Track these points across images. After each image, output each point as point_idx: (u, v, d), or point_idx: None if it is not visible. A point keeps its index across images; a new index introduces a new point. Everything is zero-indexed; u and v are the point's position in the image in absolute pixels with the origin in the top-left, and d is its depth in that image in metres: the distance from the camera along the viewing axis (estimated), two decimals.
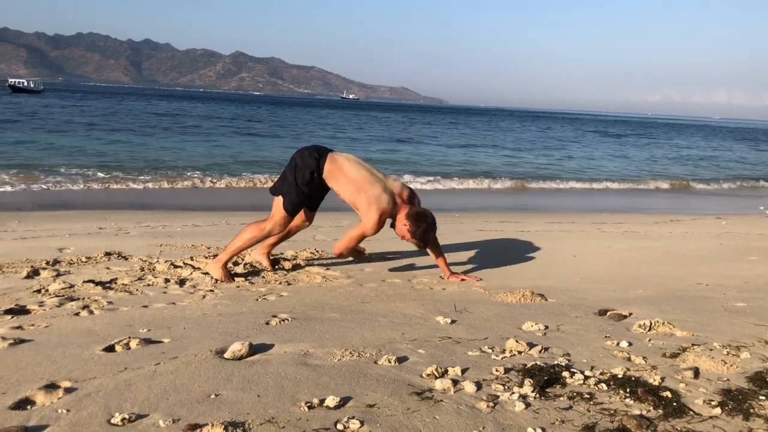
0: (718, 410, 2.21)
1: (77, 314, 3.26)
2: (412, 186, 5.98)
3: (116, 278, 4.08)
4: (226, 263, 4.26)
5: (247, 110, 60.03)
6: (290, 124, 40.15)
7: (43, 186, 11.38)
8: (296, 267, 4.72)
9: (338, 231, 6.78)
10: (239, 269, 4.50)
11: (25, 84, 79.78)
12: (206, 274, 4.27)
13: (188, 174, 13.82)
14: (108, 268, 4.41)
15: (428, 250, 4.50)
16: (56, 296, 3.58)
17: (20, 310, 3.29)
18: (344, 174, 4.21)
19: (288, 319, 3.28)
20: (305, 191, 4.24)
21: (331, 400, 2.18)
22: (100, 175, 12.99)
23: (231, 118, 42.80)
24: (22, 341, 2.77)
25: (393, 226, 4.35)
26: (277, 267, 4.65)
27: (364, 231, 4.21)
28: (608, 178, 18.21)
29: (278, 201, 4.26)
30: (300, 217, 4.51)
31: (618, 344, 2.96)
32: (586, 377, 2.49)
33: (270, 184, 6.39)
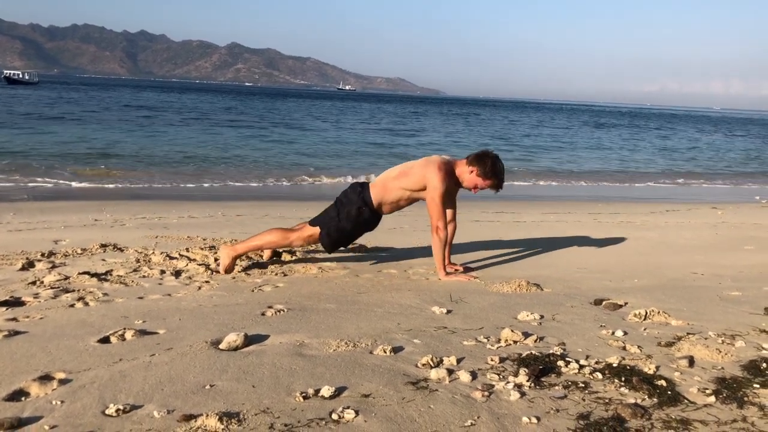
0: (712, 398, 2.22)
1: (72, 306, 3.25)
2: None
3: (112, 270, 4.07)
4: (239, 255, 4.25)
5: (247, 103, 59.86)
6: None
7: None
8: (292, 258, 4.71)
9: None
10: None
11: (21, 76, 79.38)
12: (205, 260, 4.29)
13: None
14: (103, 259, 4.40)
15: (432, 242, 4.21)
16: (51, 288, 3.57)
17: (15, 302, 3.28)
18: (390, 179, 4.21)
19: (283, 310, 3.28)
20: (343, 226, 4.20)
21: (326, 390, 2.18)
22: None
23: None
24: (17, 333, 2.77)
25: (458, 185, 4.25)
26: (273, 258, 4.65)
27: (435, 193, 4.06)
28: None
29: (313, 227, 4.26)
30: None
31: (613, 333, 2.96)
32: (581, 366, 2.49)
33: None
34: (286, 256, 4.72)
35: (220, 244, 4.94)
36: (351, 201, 4.21)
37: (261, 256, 4.64)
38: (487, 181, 4.16)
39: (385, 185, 4.22)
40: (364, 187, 4.27)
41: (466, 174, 4.17)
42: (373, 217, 4.30)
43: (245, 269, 4.29)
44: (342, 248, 4.50)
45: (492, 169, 4.12)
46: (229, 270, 4.17)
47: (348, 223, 4.21)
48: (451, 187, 4.19)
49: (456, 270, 4.45)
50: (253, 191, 11.68)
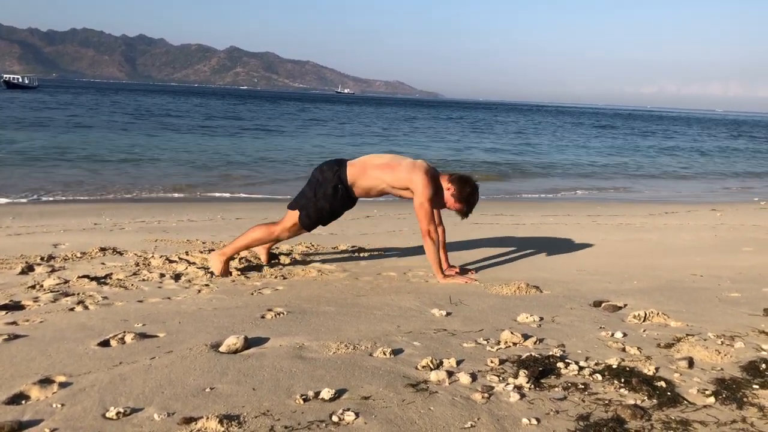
0: (712, 399, 2.22)
1: (72, 309, 3.25)
2: None
3: (111, 273, 4.07)
4: (229, 258, 4.25)
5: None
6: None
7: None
8: (292, 261, 4.71)
9: (333, 225, 6.77)
10: (235, 263, 4.49)
11: (20, 80, 79.43)
12: (204, 263, 4.28)
13: None
14: (103, 263, 4.40)
15: (425, 246, 4.21)
16: (51, 292, 3.58)
17: (15, 306, 3.28)
18: (371, 165, 4.16)
19: (283, 313, 3.28)
20: (322, 206, 4.16)
21: (326, 393, 2.18)
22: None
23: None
24: (17, 336, 2.77)
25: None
26: (272, 261, 4.65)
27: (423, 198, 4.05)
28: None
29: (293, 212, 4.22)
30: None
31: (613, 335, 2.96)
32: (581, 368, 2.49)
33: None
34: (284, 259, 4.72)
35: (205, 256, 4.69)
36: (327, 179, 4.14)
37: (259, 259, 4.64)
38: (458, 205, 4.22)
39: (364, 169, 4.16)
40: (342, 165, 4.19)
41: (444, 187, 4.20)
42: (349, 197, 4.22)
43: (244, 272, 4.30)
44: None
45: (468, 196, 4.20)
46: (224, 273, 4.17)
47: (325, 202, 4.15)
48: (435, 193, 4.17)
49: (456, 272, 4.45)
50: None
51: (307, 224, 4.22)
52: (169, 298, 3.58)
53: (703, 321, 3.22)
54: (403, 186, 4.14)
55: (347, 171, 4.15)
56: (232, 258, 4.32)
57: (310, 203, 4.17)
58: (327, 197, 4.14)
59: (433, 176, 4.15)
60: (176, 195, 10.95)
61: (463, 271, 4.54)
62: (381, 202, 7.98)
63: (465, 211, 4.27)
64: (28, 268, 4.12)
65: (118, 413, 2.01)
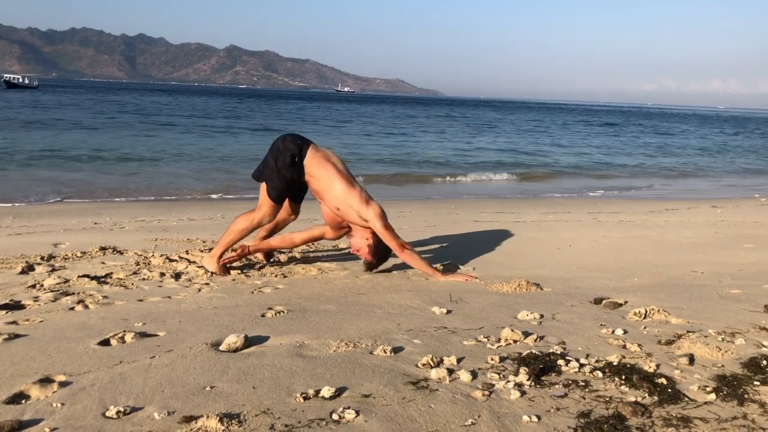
0: (713, 396, 2.22)
1: (72, 309, 3.25)
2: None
3: (111, 273, 4.07)
4: (220, 256, 4.24)
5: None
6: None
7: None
8: (292, 260, 4.71)
9: None
10: (236, 263, 4.48)
11: (20, 80, 79.47)
12: (201, 267, 4.27)
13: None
14: (103, 262, 4.40)
15: (406, 259, 4.25)
16: (51, 291, 3.57)
17: (15, 306, 3.27)
18: (332, 165, 4.13)
19: (283, 312, 3.28)
20: (287, 176, 4.10)
21: (326, 391, 2.18)
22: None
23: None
24: (17, 336, 2.76)
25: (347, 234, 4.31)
26: (272, 260, 4.65)
27: (380, 228, 4.07)
28: None
29: (263, 190, 4.17)
30: (285, 210, 4.39)
31: (613, 332, 2.96)
32: (582, 365, 2.49)
33: None
34: (283, 257, 4.72)
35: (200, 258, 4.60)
36: (288, 149, 4.10)
37: (256, 258, 4.63)
38: (369, 257, 4.28)
39: (322, 161, 4.11)
40: (305, 143, 4.16)
41: (365, 236, 4.21)
42: (300, 174, 4.14)
43: (244, 271, 4.29)
44: (295, 203, 4.36)
45: (384, 253, 4.30)
46: (222, 272, 4.17)
47: (287, 172, 4.10)
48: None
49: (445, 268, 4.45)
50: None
51: (275, 197, 4.15)
52: (169, 297, 3.58)
53: (703, 318, 3.21)
54: (352, 218, 4.13)
55: (308, 151, 4.12)
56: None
57: (274, 174, 4.11)
58: (287, 167, 4.08)
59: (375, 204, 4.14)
60: (174, 197, 10.97)
61: (453, 268, 4.54)
62: (380, 200, 7.96)
63: (371, 266, 4.36)
64: (29, 268, 4.12)
65: (118, 412, 2.01)
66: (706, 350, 2.67)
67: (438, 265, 4.50)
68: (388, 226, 4.12)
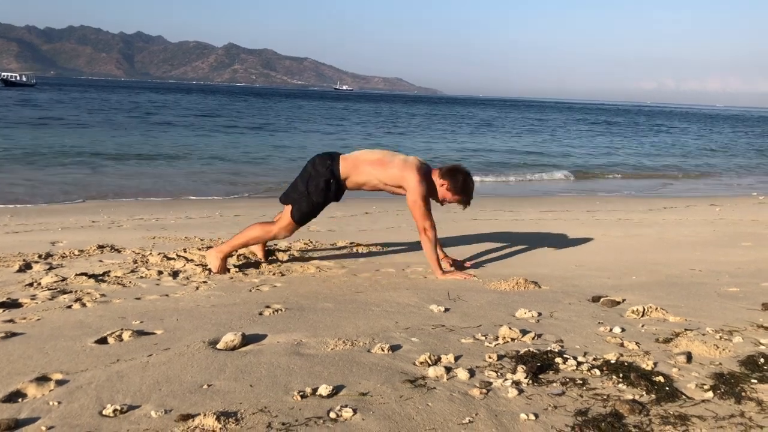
0: (710, 394, 2.22)
1: (69, 307, 3.24)
2: None
3: (109, 271, 4.06)
4: (226, 255, 4.24)
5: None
6: None
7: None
8: (290, 258, 4.70)
9: (332, 222, 6.78)
10: (233, 260, 4.48)
11: (18, 78, 79.42)
12: (202, 260, 4.27)
13: None
14: (101, 260, 4.40)
15: (422, 244, 4.23)
16: (48, 289, 3.57)
17: (12, 304, 3.27)
18: (363, 160, 4.16)
19: (281, 310, 3.27)
20: (316, 201, 4.15)
21: (324, 389, 2.18)
22: None
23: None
24: (14, 334, 2.76)
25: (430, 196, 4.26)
26: (270, 258, 4.64)
27: (416, 196, 4.07)
28: None
29: (287, 208, 4.21)
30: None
31: (611, 330, 2.96)
32: (579, 363, 2.49)
33: None
34: (282, 256, 4.72)
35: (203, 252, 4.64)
36: (320, 173, 4.13)
37: (256, 256, 4.63)
38: (456, 197, 4.23)
39: (356, 165, 4.17)
40: (334, 159, 4.18)
41: (437, 186, 4.20)
42: (340, 190, 4.23)
43: (242, 269, 4.29)
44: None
45: (463, 185, 4.19)
46: (221, 270, 4.16)
47: (318, 197, 4.14)
48: (428, 190, 4.17)
49: (450, 263, 4.46)
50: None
51: (298, 219, 4.20)
52: (166, 295, 3.57)
53: (701, 316, 3.21)
54: (395, 183, 4.15)
55: (340, 165, 4.15)
56: (229, 255, 4.31)
57: (303, 198, 4.15)
58: (319, 191, 4.13)
59: (425, 173, 4.16)
60: (170, 197, 10.95)
61: (455, 263, 4.54)
62: (380, 198, 7.96)
63: (465, 200, 4.29)
64: (26, 266, 4.11)
65: (115, 410, 2.00)
66: (703, 348, 2.67)
67: (446, 261, 4.47)
68: (421, 206, 4.10)
